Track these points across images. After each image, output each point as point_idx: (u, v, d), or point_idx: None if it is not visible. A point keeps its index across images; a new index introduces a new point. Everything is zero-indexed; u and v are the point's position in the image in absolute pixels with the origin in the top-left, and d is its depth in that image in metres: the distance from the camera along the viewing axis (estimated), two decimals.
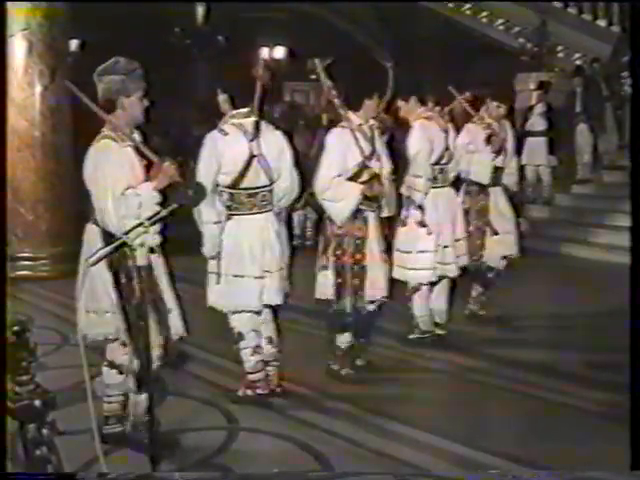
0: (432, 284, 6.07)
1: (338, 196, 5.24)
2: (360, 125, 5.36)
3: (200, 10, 17.00)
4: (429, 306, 6.16)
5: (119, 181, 4.00)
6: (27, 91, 8.79)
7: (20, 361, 2.58)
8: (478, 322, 6.71)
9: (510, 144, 6.75)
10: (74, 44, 13.94)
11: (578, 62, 13.39)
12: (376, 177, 5.24)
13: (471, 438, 4.41)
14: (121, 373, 4.39)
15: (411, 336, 6.16)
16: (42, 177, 8.88)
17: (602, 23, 13.87)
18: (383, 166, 5.41)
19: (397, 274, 5.86)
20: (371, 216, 5.39)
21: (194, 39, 17.19)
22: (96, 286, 4.07)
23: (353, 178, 5.24)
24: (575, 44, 13.80)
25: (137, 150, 4.11)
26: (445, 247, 5.98)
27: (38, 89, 8.86)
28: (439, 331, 6.17)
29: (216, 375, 5.62)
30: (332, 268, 5.34)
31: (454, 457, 4.26)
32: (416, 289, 6.05)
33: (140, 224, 3.21)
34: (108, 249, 3.12)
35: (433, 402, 5.07)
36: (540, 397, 5.12)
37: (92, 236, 4.06)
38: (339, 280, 5.33)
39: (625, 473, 3.11)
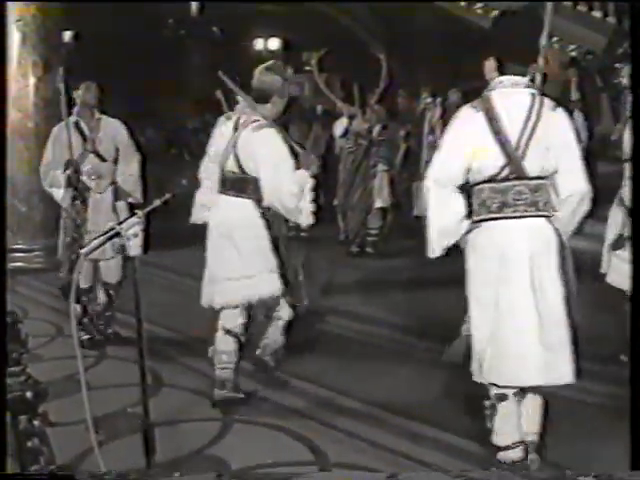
0: None
1: None
2: None
3: (194, 1, 16.96)
4: None
5: (290, 163, 4.70)
6: (21, 82, 8.79)
7: (11, 352, 2.57)
8: None
9: None
10: (68, 35, 13.89)
11: (573, 53, 13.39)
12: None
13: (470, 431, 4.40)
14: (237, 339, 4.94)
15: None
16: (36, 168, 8.80)
17: (597, 14, 13.86)
18: None
19: None
20: None
21: (188, 30, 17.13)
22: (262, 250, 4.79)
23: None
24: (570, 35, 13.78)
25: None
26: None
27: (32, 80, 8.86)
28: None
29: (210, 366, 5.62)
30: None
31: (454, 450, 4.27)
32: None
33: (133, 214, 3.21)
34: (102, 239, 3.13)
35: (429, 393, 5.07)
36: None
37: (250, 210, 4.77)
38: None
39: (625, 473, 3.11)
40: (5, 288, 2.95)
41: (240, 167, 4.79)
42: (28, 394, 2.57)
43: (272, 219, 4.87)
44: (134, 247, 3.18)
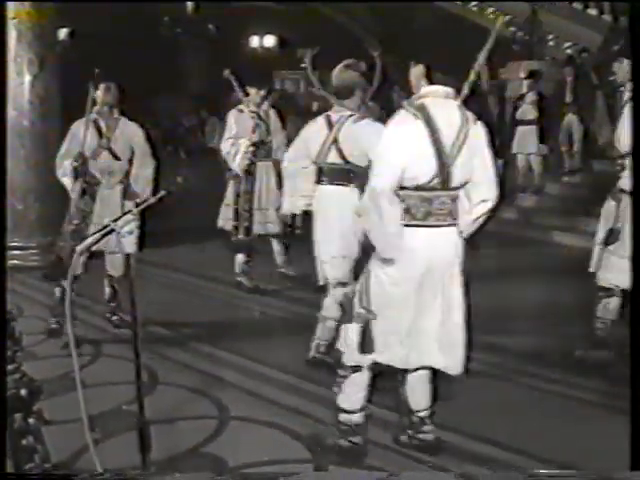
0: None
1: None
2: None
3: (190, 1, 16.97)
4: None
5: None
6: (16, 80, 8.77)
7: (5, 351, 2.56)
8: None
9: None
10: (63, 33, 13.90)
11: (569, 51, 13.41)
12: None
13: (466, 428, 4.40)
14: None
15: None
16: (31, 166, 8.85)
17: (593, 12, 13.89)
18: None
19: None
20: None
21: (184, 28, 17.13)
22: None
23: None
24: (566, 33, 13.81)
25: None
26: None
27: (27, 78, 8.84)
28: None
29: (206, 364, 5.63)
30: None
31: (454, 450, 4.23)
32: None
33: (128, 211, 3.22)
34: (96, 236, 3.13)
35: None
36: (530, 385, 5.15)
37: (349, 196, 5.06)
38: None
39: (625, 473, 3.11)
40: (5, 287, 2.94)
41: (343, 158, 5.20)
42: (22, 392, 2.57)
43: None
44: (129, 244, 3.19)
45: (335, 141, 5.21)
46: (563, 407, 4.82)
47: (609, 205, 5.53)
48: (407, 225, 3.84)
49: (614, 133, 5.54)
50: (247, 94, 7.74)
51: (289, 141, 8.47)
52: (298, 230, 10.86)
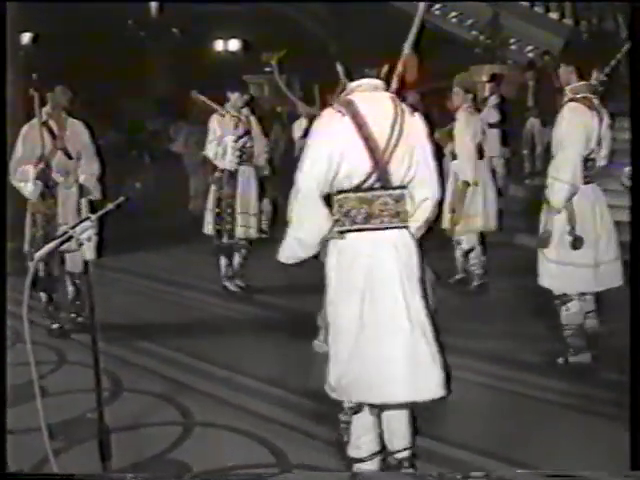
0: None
1: None
2: None
3: (154, 2, 16.89)
4: None
5: None
6: None
7: None
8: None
9: None
10: (26, 37, 13.78)
11: (530, 55, 13.54)
12: None
13: (457, 437, 4.39)
14: None
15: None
16: None
17: (554, 16, 14.05)
18: None
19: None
20: None
21: (148, 31, 17.04)
22: None
23: None
24: (527, 37, 13.95)
25: None
26: None
27: None
28: None
29: (171, 370, 5.60)
30: None
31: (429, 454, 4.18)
32: None
33: (87, 218, 3.19)
34: (55, 243, 3.10)
35: None
36: (503, 388, 5.18)
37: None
38: None
39: (625, 473, 3.13)
40: (5, 289, 2.93)
41: None
42: None
43: None
44: (88, 251, 3.16)
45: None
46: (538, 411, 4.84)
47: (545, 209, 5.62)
48: (349, 230, 3.64)
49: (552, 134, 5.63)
50: (222, 103, 7.73)
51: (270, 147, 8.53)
52: (266, 235, 10.86)
